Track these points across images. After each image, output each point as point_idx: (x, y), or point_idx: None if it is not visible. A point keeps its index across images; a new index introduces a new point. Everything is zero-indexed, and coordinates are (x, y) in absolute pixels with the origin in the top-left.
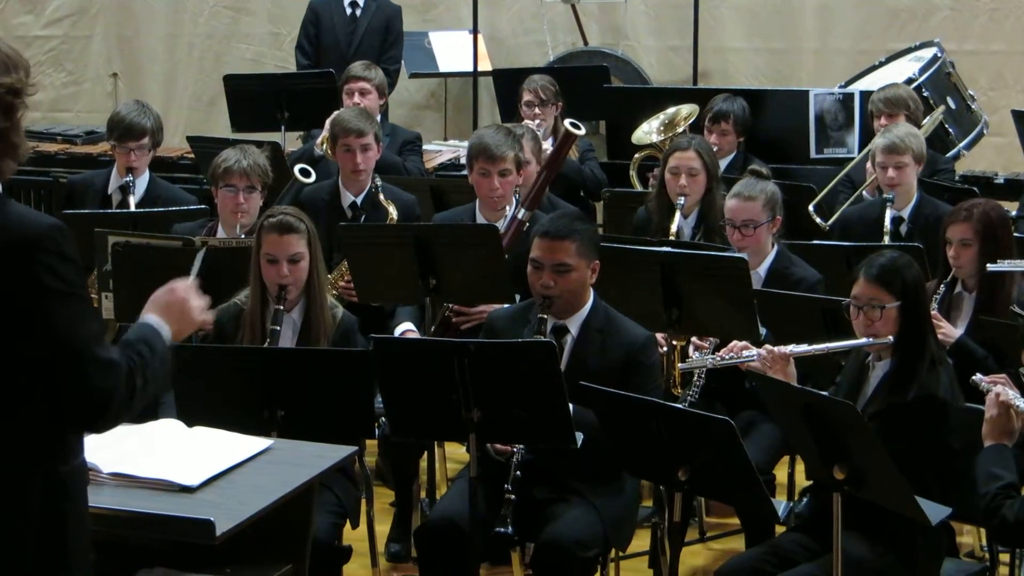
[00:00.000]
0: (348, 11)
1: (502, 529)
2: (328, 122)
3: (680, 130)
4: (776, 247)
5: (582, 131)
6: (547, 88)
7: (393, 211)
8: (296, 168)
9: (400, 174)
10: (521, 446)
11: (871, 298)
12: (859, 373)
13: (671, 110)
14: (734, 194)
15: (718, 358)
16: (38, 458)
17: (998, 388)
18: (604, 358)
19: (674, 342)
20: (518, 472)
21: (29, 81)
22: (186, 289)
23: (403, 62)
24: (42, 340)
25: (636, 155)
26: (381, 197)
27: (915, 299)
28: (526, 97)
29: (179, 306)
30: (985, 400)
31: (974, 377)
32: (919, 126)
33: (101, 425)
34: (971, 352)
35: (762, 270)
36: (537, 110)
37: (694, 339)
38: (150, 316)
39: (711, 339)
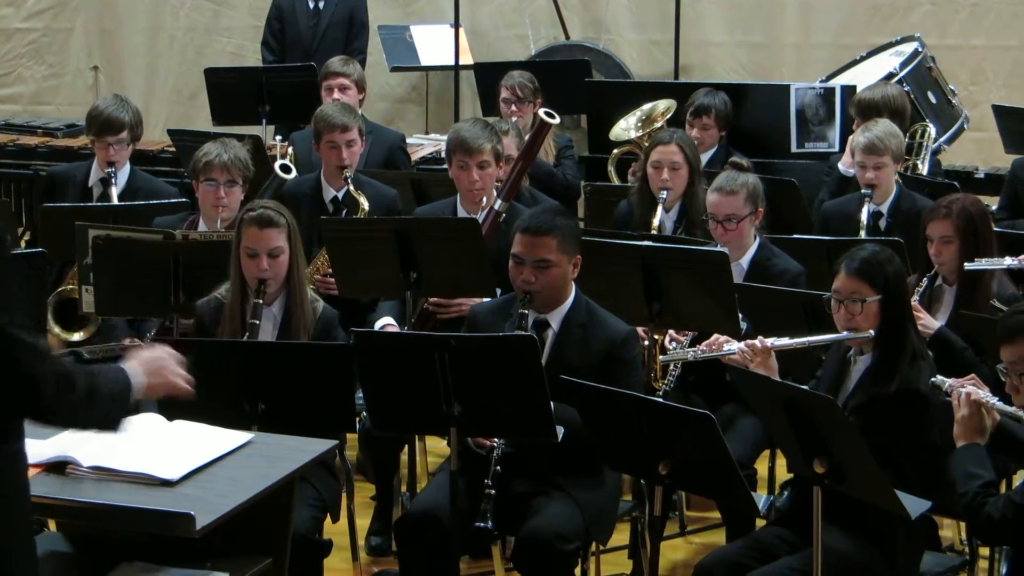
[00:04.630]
0: (311, 5)
1: (482, 524)
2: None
3: (658, 125)
4: (758, 239)
5: (556, 119)
6: (524, 86)
7: (364, 202)
8: (277, 164)
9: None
10: (501, 440)
11: (852, 292)
12: (840, 367)
13: (648, 106)
14: (715, 188)
15: (699, 351)
16: None
17: (968, 388)
18: (585, 353)
19: (656, 336)
20: (498, 467)
21: None
22: (171, 355)
23: (384, 56)
24: None
25: (614, 151)
26: (351, 188)
27: (896, 293)
28: (504, 94)
29: (159, 363)
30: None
31: (935, 379)
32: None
33: (34, 411)
34: (951, 343)
35: (744, 262)
36: (514, 107)
37: (671, 332)
38: (127, 363)
39: (687, 334)
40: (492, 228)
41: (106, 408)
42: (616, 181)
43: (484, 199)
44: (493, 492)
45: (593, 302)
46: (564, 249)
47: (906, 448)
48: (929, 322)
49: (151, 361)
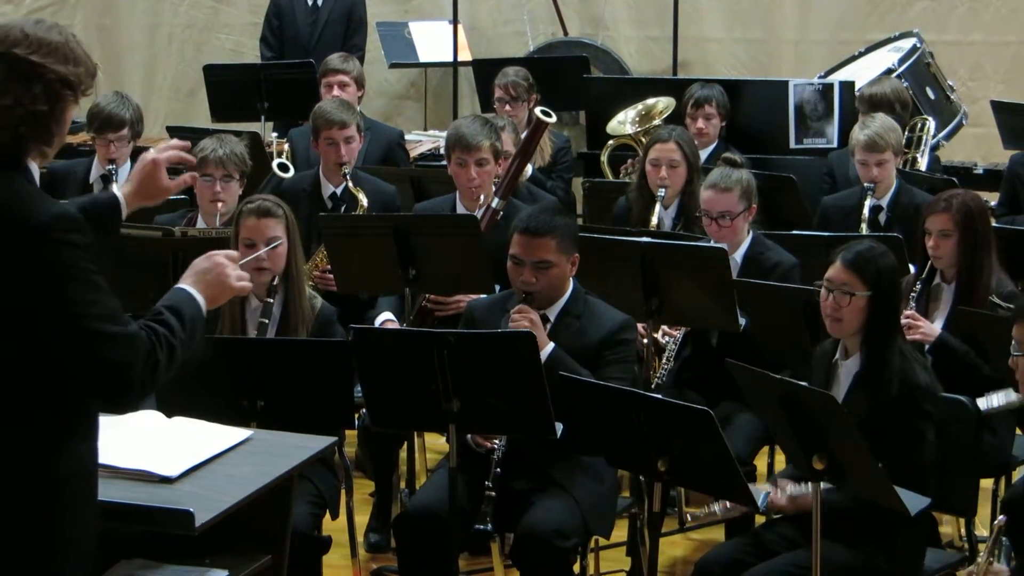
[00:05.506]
0: (309, 2)
1: (482, 526)
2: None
3: (655, 123)
4: (751, 233)
5: (553, 118)
6: (518, 84)
7: (363, 198)
8: (275, 162)
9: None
10: (502, 443)
11: (843, 283)
12: (828, 370)
13: (650, 101)
14: (709, 185)
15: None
16: (29, 460)
17: None
18: (580, 341)
19: (655, 334)
20: (498, 469)
21: (88, 83)
22: (225, 256)
23: (383, 52)
24: (55, 322)
25: (609, 141)
26: (350, 184)
27: (887, 292)
28: (498, 93)
29: (215, 273)
30: None
31: None
32: (903, 125)
33: (125, 399)
34: (953, 349)
35: (738, 256)
36: (508, 107)
37: (664, 327)
38: (184, 282)
39: (680, 328)
40: (490, 226)
41: (199, 334)
42: (609, 173)
43: (482, 196)
44: (493, 494)
45: (592, 294)
46: (563, 249)
47: (911, 446)
48: (930, 330)
49: (206, 273)
